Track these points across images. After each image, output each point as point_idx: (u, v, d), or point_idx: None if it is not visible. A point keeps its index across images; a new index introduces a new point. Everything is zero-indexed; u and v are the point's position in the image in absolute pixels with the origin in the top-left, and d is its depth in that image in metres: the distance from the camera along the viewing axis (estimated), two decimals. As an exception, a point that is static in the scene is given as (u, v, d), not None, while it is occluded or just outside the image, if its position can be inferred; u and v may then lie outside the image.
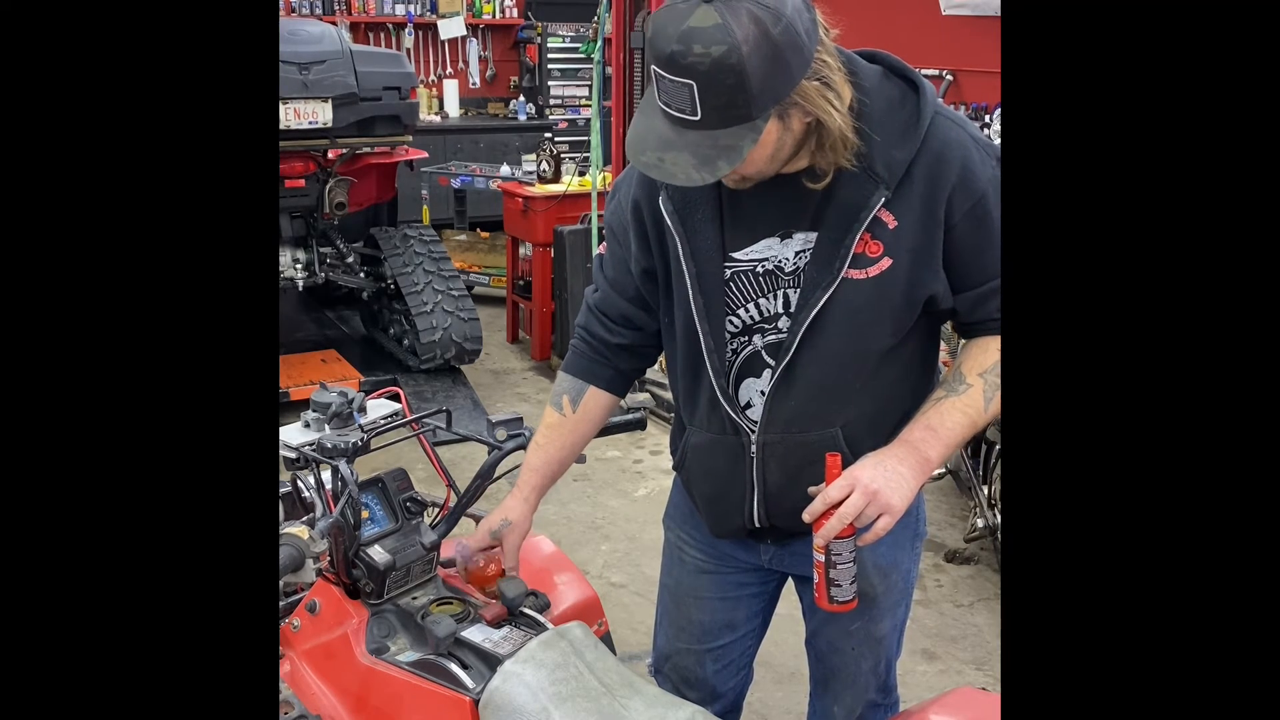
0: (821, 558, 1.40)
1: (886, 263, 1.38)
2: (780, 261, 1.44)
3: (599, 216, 4.93)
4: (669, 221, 1.46)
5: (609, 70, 4.97)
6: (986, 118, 3.63)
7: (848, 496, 1.35)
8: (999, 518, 3.25)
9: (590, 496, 3.99)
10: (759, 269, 1.45)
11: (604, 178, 5.02)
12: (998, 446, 3.27)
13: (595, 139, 4.99)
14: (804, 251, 1.42)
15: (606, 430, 1.75)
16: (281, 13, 6.96)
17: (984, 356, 1.45)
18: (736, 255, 1.46)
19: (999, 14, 0.96)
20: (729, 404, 1.50)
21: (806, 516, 1.39)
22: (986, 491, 3.34)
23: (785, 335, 1.45)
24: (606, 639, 1.80)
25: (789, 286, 1.44)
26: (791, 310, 1.44)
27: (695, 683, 1.78)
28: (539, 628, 1.56)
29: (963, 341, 1.54)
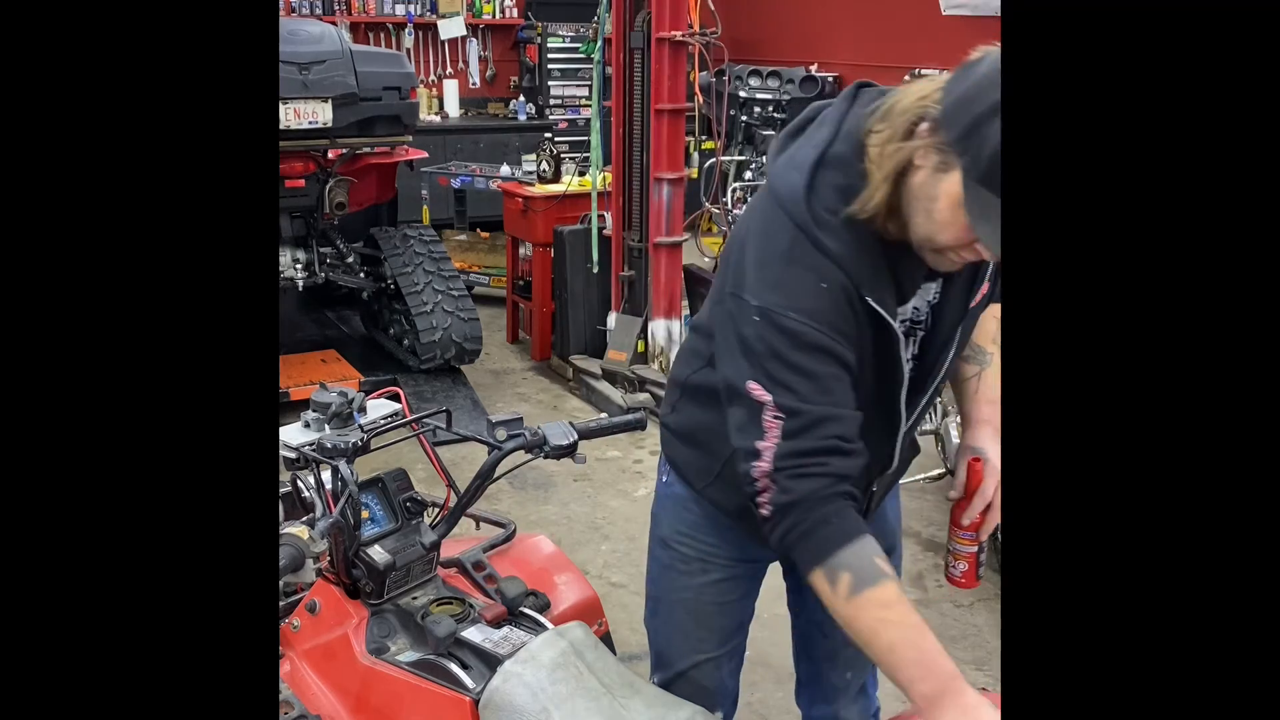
0: (975, 549, 1.59)
1: (985, 286, 1.48)
2: (912, 313, 1.47)
3: (598, 217, 4.93)
4: (876, 308, 1.37)
5: (609, 70, 4.97)
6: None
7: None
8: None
9: (590, 496, 3.99)
10: (905, 325, 1.46)
11: (604, 178, 5.01)
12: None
13: (595, 139, 4.99)
14: (930, 300, 1.47)
15: (607, 430, 1.75)
16: (281, 13, 6.96)
17: (993, 324, 1.59)
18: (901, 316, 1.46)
19: (999, 14, 0.95)
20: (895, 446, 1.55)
21: (965, 519, 1.57)
22: (987, 491, 3.33)
23: (917, 375, 1.49)
24: (606, 639, 1.80)
25: (921, 330, 1.49)
26: (917, 354, 1.49)
27: (713, 691, 1.75)
28: (539, 628, 1.56)
29: None
